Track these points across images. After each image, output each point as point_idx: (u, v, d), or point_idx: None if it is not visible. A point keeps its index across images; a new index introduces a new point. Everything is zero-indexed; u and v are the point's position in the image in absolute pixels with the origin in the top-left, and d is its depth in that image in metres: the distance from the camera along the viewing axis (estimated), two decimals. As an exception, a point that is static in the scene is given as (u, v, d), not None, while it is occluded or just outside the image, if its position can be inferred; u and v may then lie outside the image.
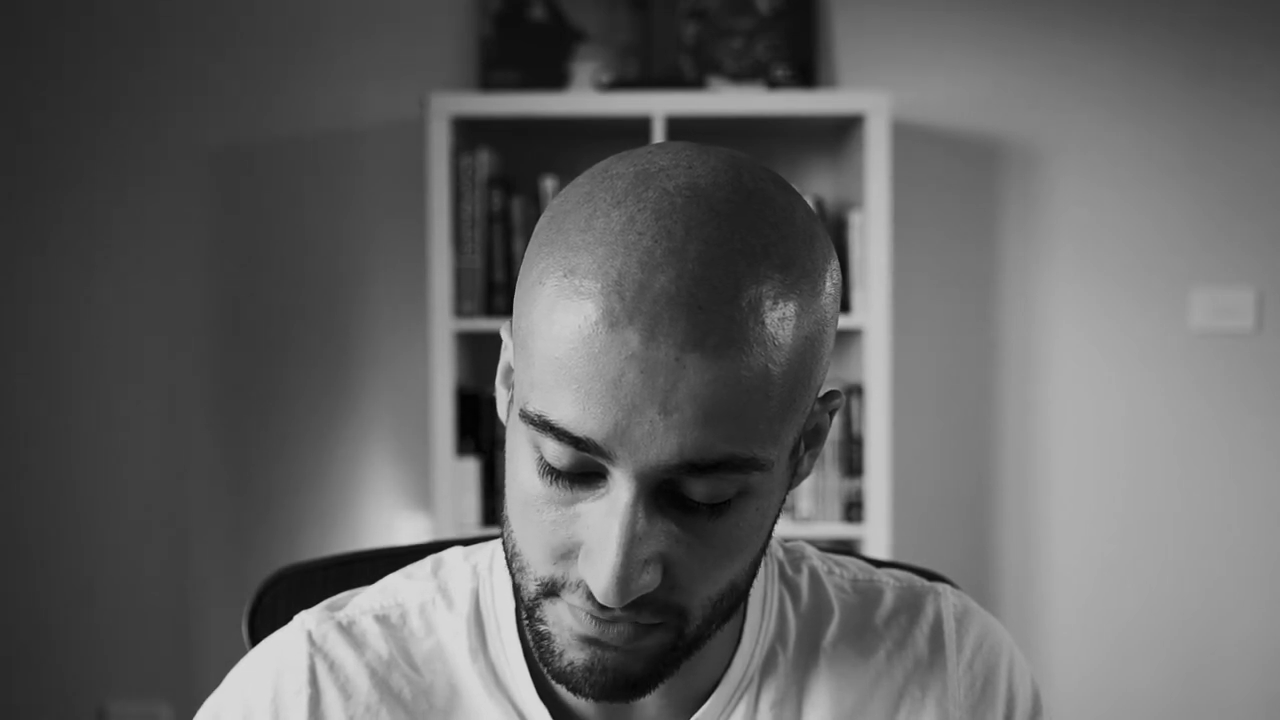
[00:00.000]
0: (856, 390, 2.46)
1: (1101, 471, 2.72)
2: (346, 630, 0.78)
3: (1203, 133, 2.68)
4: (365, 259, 2.66)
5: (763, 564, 0.80)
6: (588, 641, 0.66)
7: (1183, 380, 2.70)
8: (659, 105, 2.38)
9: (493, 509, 2.44)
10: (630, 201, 0.62)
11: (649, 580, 0.63)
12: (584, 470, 0.63)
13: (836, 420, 2.46)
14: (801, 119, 2.50)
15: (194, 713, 0.81)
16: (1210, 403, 2.70)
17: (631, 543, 0.62)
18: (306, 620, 0.79)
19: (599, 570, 0.62)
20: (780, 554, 0.83)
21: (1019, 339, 2.71)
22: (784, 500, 0.70)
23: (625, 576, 0.62)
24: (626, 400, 0.60)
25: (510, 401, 0.70)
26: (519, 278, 0.67)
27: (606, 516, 0.63)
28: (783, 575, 0.82)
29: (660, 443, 0.60)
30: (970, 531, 2.72)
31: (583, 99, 2.45)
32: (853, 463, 2.47)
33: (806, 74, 2.60)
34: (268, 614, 0.94)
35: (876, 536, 2.43)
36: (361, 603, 0.80)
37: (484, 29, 2.60)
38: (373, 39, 2.64)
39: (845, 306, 2.46)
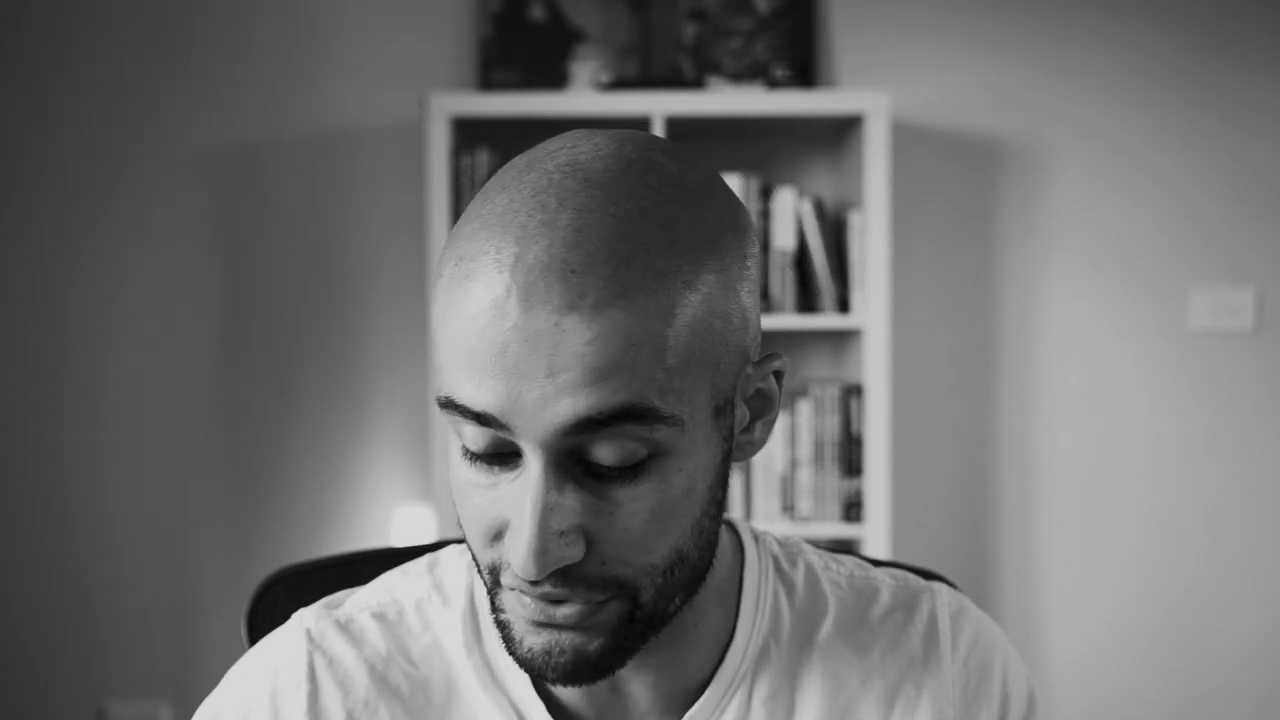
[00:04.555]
0: (856, 390, 2.47)
1: (1101, 471, 2.72)
2: (344, 627, 0.79)
3: (1202, 132, 2.68)
4: (365, 259, 2.66)
5: (758, 559, 0.81)
6: (541, 626, 0.67)
7: (1182, 380, 2.70)
8: (658, 105, 2.39)
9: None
10: (514, 186, 0.65)
11: (570, 553, 0.64)
12: (500, 450, 0.65)
13: (836, 420, 2.46)
14: (801, 119, 2.50)
15: (194, 713, 0.81)
16: (1210, 402, 2.70)
17: (544, 514, 0.63)
18: (305, 618, 0.80)
19: (516, 544, 0.64)
20: (776, 549, 0.83)
21: (1018, 339, 2.71)
22: (724, 468, 0.70)
23: (540, 548, 0.63)
24: (514, 369, 0.62)
25: None
26: None
27: (522, 491, 0.64)
28: (778, 569, 0.82)
29: (553, 406, 0.62)
30: (970, 531, 2.73)
31: (582, 99, 2.45)
32: (852, 463, 2.47)
33: (806, 74, 2.60)
34: (267, 614, 0.94)
35: (876, 536, 2.43)
36: (359, 600, 0.81)
37: (483, 29, 2.60)
38: (372, 39, 2.64)
39: (845, 307, 2.46)
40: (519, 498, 0.65)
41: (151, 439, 2.68)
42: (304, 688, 0.77)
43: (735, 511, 2.46)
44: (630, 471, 0.65)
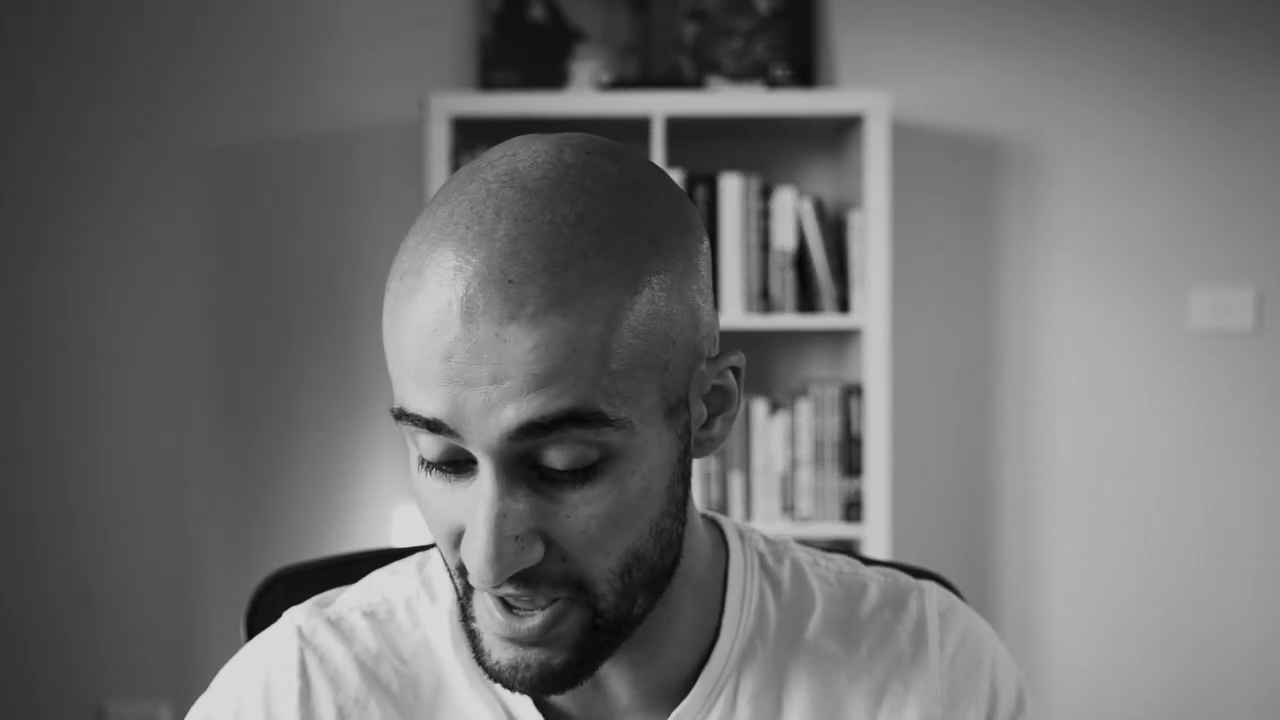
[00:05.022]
0: (856, 390, 2.47)
1: (1101, 471, 2.72)
2: (335, 625, 0.80)
3: (1202, 132, 2.68)
4: (365, 259, 2.66)
5: (742, 556, 0.81)
6: (507, 641, 0.68)
7: (1182, 380, 2.70)
8: (658, 105, 2.39)
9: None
10: (454, 198, 0.66)
11: (526, 557, 0.65)
12: (455, 458, 0.66)
13: (836, 420, 2.46)
14: (801, 119, 2.50)
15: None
16: (1210, 403, 2.70)
17: (497, 519, 0.64)
18: (296, 616, 0.81)
19: (473, 549, 0.65)
20: (762, 546, 0.83)
21: (1018, 339, 2.71)
22: (682, 467, 0.70)
23: (495, 553, 0.64)
24: (458, 378, 0.63)
25: None
26: None
27: (474, 499, 0.65)
28: (763, 567, 0.82)
29: (498, 412, 0.63)
30: (970, 531, 2.73)
31: (582, 99, 2.45)
32: (852, 463, 2.47)
33: (806, 74, 2.60)
34: (266, 614, 0.94)
35: (876, 536, 2.43)
36: (349, 599, 0.82)
37: (483, 29, 2.60)
38: (372, 39, 2.64)
39: (845, 307, 2.46)
40: (472, 503, 0.66)
41: (151, 439, 2.68)
42: (295, 684, 0.77)
43: (735, 512, 2.46)
44: (582, 475, 0.65)
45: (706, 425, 0.72)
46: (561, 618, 0.68)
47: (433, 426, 0.64)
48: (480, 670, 0.77)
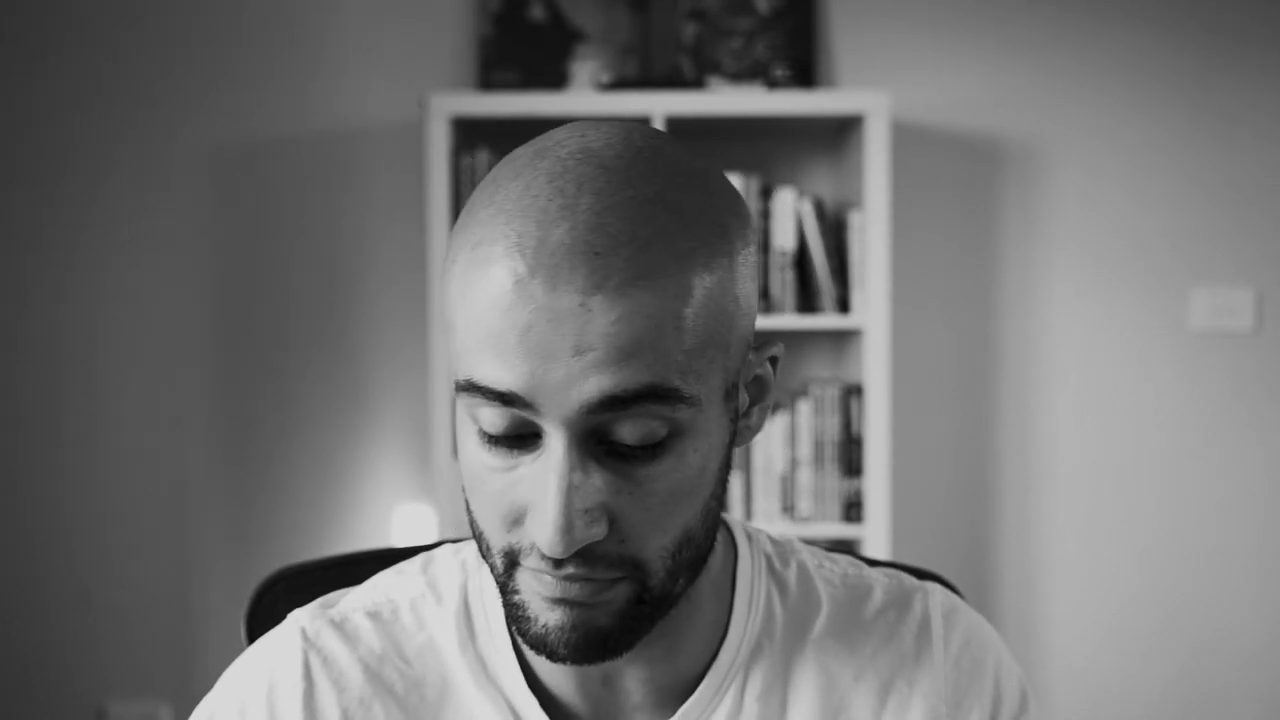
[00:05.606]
0: (856, 390, 2.47)
1: (1101, 471, 2.72)
2: (339, 626, 0.79)
3: (1202, 132, 2.68)
4: (365, 259, 2.66)
5: (751, 558, 0.81)
6: (556, 602, 0.68)
7: (1182, 380, 2.70)
8: (658, 105, 2.39)
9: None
10: (527, 172, 0.66)
11: (595, 531, 0.65)
12: (519, 433, 0.66)
13: (836, 420, 2.46)
14: (801, 119, 2.50)
15: (192, 712, 0.81)
16: (1209, 402, 2.70)
17: (568, 492, 0.64)
18: (300, 617, 0.80)
19: (542, 524, 0.65)
20: (769, 548, 0.83)
21: (1018, 339, 2.71)
22: (730, 452, 0.72)
23: (566, 526, 0.64)
24: (539, 349, 0.63)
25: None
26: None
27: (544, 473, 0.65)
28: (770, 569, 0.82)
29: (579, 384, 0.63)
30: (970, 531, 2.73)
31: (582, 99, 2.45)
32: (852, 463, 2.47)
33: (806, 74, 2.60)
34: (266, 614, 0.94)
35: (876, 536, 2.43)
36: (353, 600, 0.81)
37: (483, 29, 2.60)
38: (373, 39, 2.64)
39: (845, 307, 2.46)
40: (541, 478, 0.65)
41: (151, 439, 2.68)
42: (299, 685, 0.77)
43: (735, 512, 2.46)
44: (650, 451, 0.66)
45: (745, 414, 0.74)
46: (612, 586, 0.68)
47: (506, 399, 0.64)
48: (483, 668, 0.77)
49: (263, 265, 2.68)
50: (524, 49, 2.59)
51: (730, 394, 0.70)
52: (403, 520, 2.67)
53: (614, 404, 0.63)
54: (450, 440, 2.39)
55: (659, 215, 0.64)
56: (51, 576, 2.69)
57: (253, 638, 0.94)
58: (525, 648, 0.76)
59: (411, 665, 0.78)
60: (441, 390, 2.38)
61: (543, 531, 0.64)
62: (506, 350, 0.63)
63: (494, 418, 0.66)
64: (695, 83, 2.58)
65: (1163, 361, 2.70)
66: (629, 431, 0.65)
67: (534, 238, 0.63)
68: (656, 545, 0.68)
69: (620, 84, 2.55)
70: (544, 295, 0.62)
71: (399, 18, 2.64)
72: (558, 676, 0.77)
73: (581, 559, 0.66)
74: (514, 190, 0.65)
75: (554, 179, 0.65)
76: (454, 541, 0.86)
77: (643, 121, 2.39)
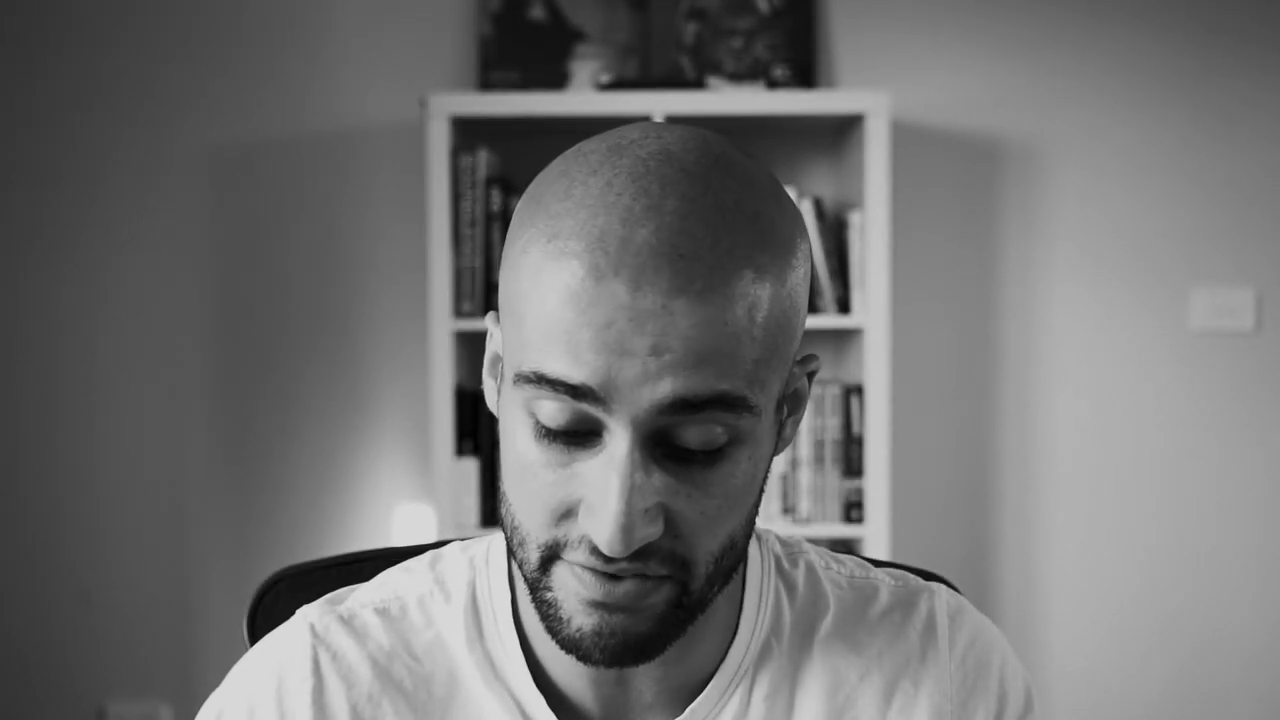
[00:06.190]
0: (856, 390, 2.47)
1: (1101, 471, 2.72)
2: (348, 622, 0.80)
3: (1202, 132, 2.68)
4: (365, 259, 2.66)
5: (760, 558, 0.82)
6: (594, 606, 0.68)
7: (1182, 380, 2.70)
8: (658, 105, 2.38)
9: (492, 509, 2.44)
10: (606, 169, 0.66)
11: (652, 531, 0.65)
12: (580, 429, 0.66)
13: (836, 420, 2.46)
14: (801, 119, 2.50)
15: (194, 713, 0.81)
16: (1210, 403, 2.70)
17: (631, 490, 0.64)
18: (309, 614, 0.81)
19: (602, 520, 0.65)
20: (778, 548, 0.84)
21: (1019, 339, 2.71)
22: (771, 461, 0.72)
23: (628, 525, 0.64)
24: (617, 346, 0.63)
25: (500, 386, 0.73)
26: (503, 257, 0.70)
27: (605, 469, 0.65)
28: (779, 569, 0.83)
29: (653, 384, 0.63)
30: (970, 531, 2.73)
31: (582, 99, 2.45)
32: (852, 463, 2.47)
33: (806, 74, 2.60)
34: (268, 614, 0.94)
35: (876, 537, 2.43)
36: (362, 596, 0.82)
37: (483, 29, 2.60)
38: (373, 39, 2.64)
39: (845, 307, 2.46)
40: (601, 475, 0.65)
41: (151, 439, 2.68)
42: (309, 682, 0.77)
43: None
44: (710, 456, 0.66)
45: (782, 425, 0.74)
46: (655, 590, 0.68)
47: (576, 393, 0.64)
48: (491, 666, 0.77)
49: (263, 265, 2.68)
50: (524, 49, 2.59)
51: (780, 405, 0.71)
52: (403, 520, 2.67)
53: (684, 407, 0.64)
54: (449, 441, 2.39)
55: (739, 224, 0.65)
56: (51, 576, 2.69)
57: (255, 638, 0.95)
58: (535, 645, 0.77)
59: (420, 662, 0.78)
60: (441, 391, 2.38)
61: (603, 530, 0.65)
62: (581, 345, 0.63)
63: (556, 412, 0.66)
64: (695, 83, 2.58)
65: (1163, 361, 2.70)
66: (693, 436, 0.65)
67: (618, 236, 0.63)
68: (706, 549, 0.68)
69: (620, 84, 2.55)
70: (626, 294, 0.62)
71: (399, 18, 2.64)
72: (570, 675, 0.77)
73: (634, 555, 0.66)
74: (594, 186, 0.65)
75: (637, 179, 0.65)
76: (461, 540, 0.86)
77: (642, 121, 2.39)
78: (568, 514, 0.67)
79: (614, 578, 0.67)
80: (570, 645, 0.70)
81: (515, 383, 0.67)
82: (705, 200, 0.64)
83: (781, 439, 0.74)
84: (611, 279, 0.63)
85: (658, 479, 0.66)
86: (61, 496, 2.68)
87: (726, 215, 0.65)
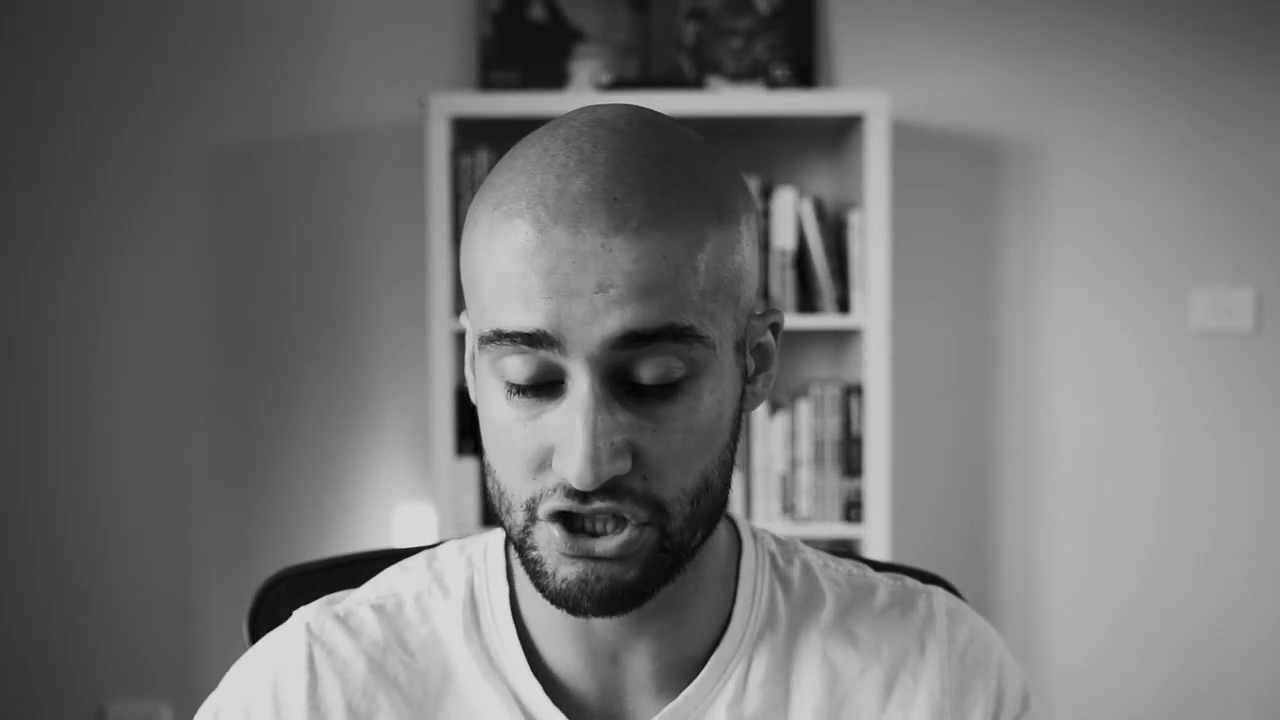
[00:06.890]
0: (856, 390, 2.47)
1: (1101, 471, 2.72)
2: (343, 620, 0.81)
3: (1202, 132, 2.68)
4: (365, 259, 2.66)
5: (755, 553, 0.83)
6: (578, 557, 0.70)
7: (1182, 380, 2.70)
8: (658, 105, 2.34)
9: (492, 508, 2.44)
10: (544, 139, 0.71)
11: (620, 465, 0.68)
12: (544, 379, 0.69)
13: (836, 420, 2.47)
14: (801, 119, 2.50)
15: (194, 713, 0.82)
16: (1210, 403, 2.70)
17: (595, 424, 0.67)
18: (305, 614, 0.82)
19: (570, 458, 0.67)
20: (773, 546, 0.85)
21: (1019, 339, 2.71)
22: (740, 410, 0.75)
23: (595, 457, 0.67)
24: (564, 288, 0.66)
25: (474, 366, 0.75)
26: (461, 246, 0.73)
27: (570, 410, 0.68)
28: (774, 566, 0.84)
29: (602, 319, 0.66)
30: (970, 531, 2.73)
31: (582, 99, 2.45)
32: (852, 463, 2.47)
33: (806, 74, 2.60)
34: (269, 614, 0.95)
35: (876, 537, 2.43)
36: (358, 595, 0.83)
37: (483, 29, 2.60)
38: (373, 39, 2.64)
39: (845, 307, 2.46)
40: (566, 418, 0.68)
41: (151, 439, 2.68)
42: (304, 678, 0.79)
43: (735, 512, 2.46)
44: (669, 390, 0.69)
45: (751, 380, 0.77)
46: (636, 539, 0.70)
47: (532, 340, 0.67)
48: (488, 658, 0.79)
49: (263, 265, 2.68)
50: (524, 49, 2.59)
51: (740, 349, 0.73)
52: (403, 520, 2.67)
53: (635, 340, 0.67)
54: (449, 440, 2.39)
55: (671, 170, 0.69)
56: (51, 576, 2.69)
57: (255, 638, 0.95)
58: (534, 637, 0.79)
59: (414, 657, 0.80)
60: (441, 391, 2.38)
61: (571, 465, 0.67)
62: (531, 293, 0.67)
63: (520, 365, 0.69)
64: (695, 83, 2.58)
65: (1163, 361, 2.70)
66: (648, 371, 0.68)
67: (554, 190, 0.67)
68: (677, 486, 0.70)
69: (620, 84, 2.55)
70: (568, 239, 0.66)
71: (399, 18, 2.64)
72: (566, 656, 0.78)
73: (608, 493, 0.69)
74: (532, 155, 0.70)
75: (570, 141, 0.69)
76: (459, 539, 0.88)
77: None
78: (542, 465, 0.70)
79: (593, 535, 0.70)
80: (559, 598, 0.71)
81: (481, 348, 0.70)
82: (638, 151, 0.69)
83: (753, 393, 0.77)
84: (552, 227, 0.66)
85: (621, 416, 0.68)
86: (61, 496, 2.68)
87: (657, 163, 0.69)
